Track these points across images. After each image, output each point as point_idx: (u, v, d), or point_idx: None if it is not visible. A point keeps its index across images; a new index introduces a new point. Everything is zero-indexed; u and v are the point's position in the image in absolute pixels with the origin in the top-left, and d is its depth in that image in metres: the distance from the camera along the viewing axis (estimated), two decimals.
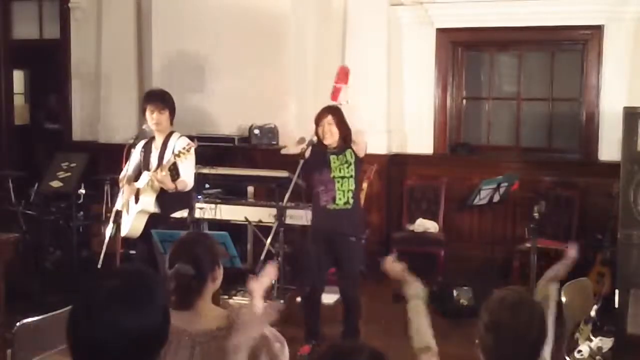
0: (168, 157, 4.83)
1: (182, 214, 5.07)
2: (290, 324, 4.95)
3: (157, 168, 4.85)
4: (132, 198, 4.93)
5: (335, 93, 5.00)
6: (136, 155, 5.04)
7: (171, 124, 5.03)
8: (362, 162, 4.89)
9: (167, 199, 4.89)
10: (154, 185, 4.81)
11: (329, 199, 4.76)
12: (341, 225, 4.75)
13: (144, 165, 4.98)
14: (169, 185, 4.79)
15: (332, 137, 4.76)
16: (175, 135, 5.00)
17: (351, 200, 4.77)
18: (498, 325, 2.07)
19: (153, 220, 4.88)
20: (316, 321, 4.98)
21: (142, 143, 5.06)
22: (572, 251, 3.14)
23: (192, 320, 2.46)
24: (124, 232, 4.97)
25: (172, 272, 2.48)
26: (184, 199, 5.08)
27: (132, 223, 4.90)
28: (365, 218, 5.97)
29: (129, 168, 5.00)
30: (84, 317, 1.52)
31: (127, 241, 5.43)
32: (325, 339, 4.90)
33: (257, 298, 2.54)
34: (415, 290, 2.63)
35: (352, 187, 4.77)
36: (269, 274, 2.66)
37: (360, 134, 4.81)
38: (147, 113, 4.96)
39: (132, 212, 4.92)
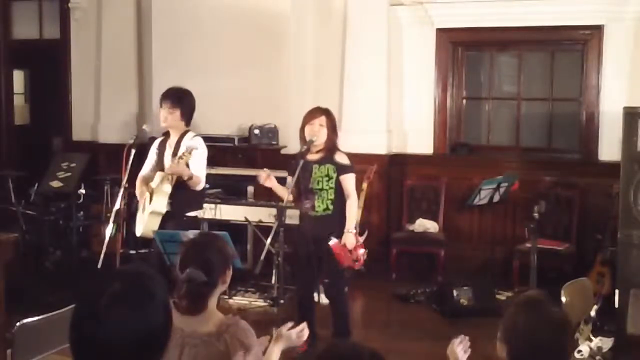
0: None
1: (195, 214, 5.04)
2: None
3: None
4: (148, 198, 4.90)
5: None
6: (152, 154, 5.01)
7: (187, 124, 4.98)
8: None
9: (181, 199, 4.82)
10: (170, 177, 4.74)
11: (309, 207, 4.79)
12: (324, 228, 4.75)
13: (158, 164, 4.95)
14: (186, 172, 4.68)
15: (320, 137, 4.73)
16: (189, 135, 4.95)
17: (331, 207, 4.77)
18: (523, 335, 2.07)
19: (166, 220, 4.82)
20: (311, 321, 4.98)
21: (157, 142, 5.04)
22: None
23: (190, 320, 2.45)
24: (138, 232, 4.94)
25: (183, 277, 2.44)
26: (197, 199, 5.04)
27: (145, 223, 4.88)
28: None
29: (145, 168, 4.98)
30: (87, 319, 1.53)
31: (143, 240, 5.40)
32: (320, 339, 4.90)
33: (280, 344, 2.57)
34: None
35: (332, 196, 4.76)
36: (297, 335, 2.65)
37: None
38: (160, 109, 4.96)
39: (146, 212, 4.90)
